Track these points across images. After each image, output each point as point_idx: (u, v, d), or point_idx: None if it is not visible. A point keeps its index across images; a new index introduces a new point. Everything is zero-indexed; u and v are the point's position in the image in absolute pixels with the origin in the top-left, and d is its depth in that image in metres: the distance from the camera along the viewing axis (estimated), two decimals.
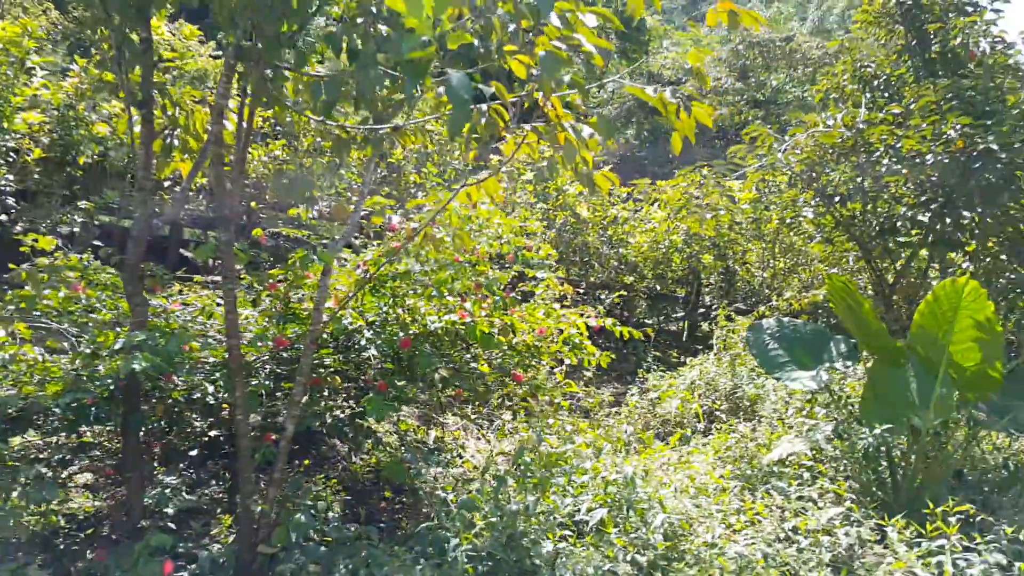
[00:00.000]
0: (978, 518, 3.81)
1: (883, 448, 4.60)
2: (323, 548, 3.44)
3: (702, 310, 9.41)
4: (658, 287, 9.60)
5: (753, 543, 3.38)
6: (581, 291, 8.14)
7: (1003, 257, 5.50)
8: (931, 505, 3.75)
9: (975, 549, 3.55)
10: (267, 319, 4.24)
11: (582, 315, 4.92)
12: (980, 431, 4.93)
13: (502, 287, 4.76)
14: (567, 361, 5.24)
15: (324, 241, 7.18)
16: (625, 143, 20.39)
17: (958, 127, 4.77)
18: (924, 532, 3.63)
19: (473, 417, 5.82)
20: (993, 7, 5.37)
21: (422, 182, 9.39)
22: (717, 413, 6.09)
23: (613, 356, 5.51)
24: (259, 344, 4.10)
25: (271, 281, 4.19)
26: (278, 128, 9.09)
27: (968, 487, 4.90)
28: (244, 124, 3.31)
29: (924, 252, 5.76)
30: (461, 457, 4.94)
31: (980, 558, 3.52)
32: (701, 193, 6.04)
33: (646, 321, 9.56)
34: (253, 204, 9.67)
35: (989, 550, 3.55)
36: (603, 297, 8.46)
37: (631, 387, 7.35)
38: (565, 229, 9.07)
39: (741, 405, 6.18)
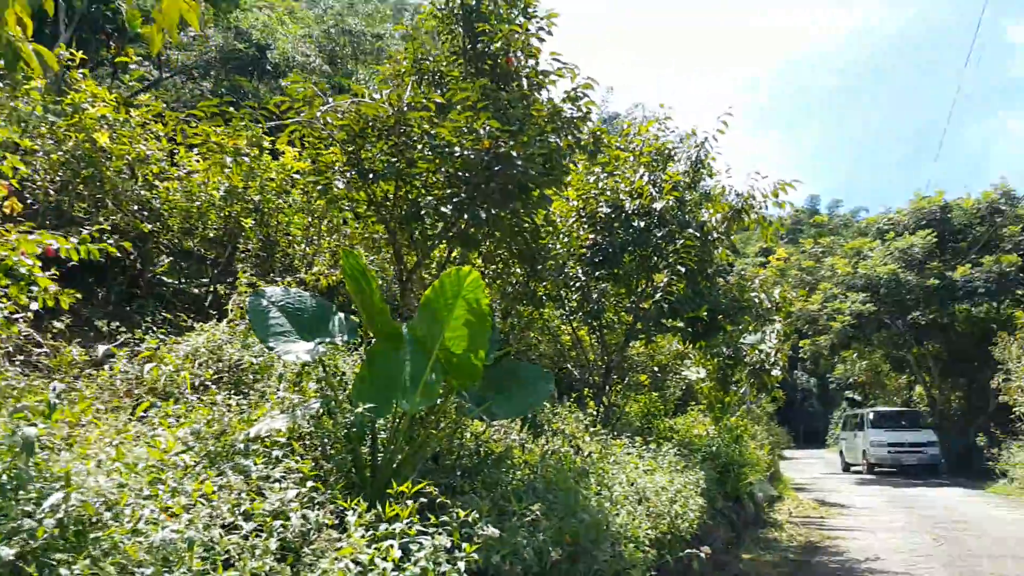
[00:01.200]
0: (438, 500, 3.90)
1: (367, 429, 4.51)
2: None
3: (231, 279, 8.62)
4: (188, 243, 8.52)
5: (186, 529, 2.82)
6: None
7: (512, 262, 5.97)
8: (395, 487, 3.70)
9: (428, 532, 3.56)
10: None
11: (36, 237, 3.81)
12: (464, 418, 5.23)
13: None
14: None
15: None
16: None
17: (488, 127, 4.97)
18: (383, 516, 3.53)
19: None
20: (539, 27, 5.85)
21: None
22: (212, 384, 5.41)
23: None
24: None
25: None
26: None
27: (443, 471, 5.13)
28: None
29: (444, 245, 5.96)
30: None
31: (431, 541, 3.54)
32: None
33: (165, 279, 8.40)
34: None
35: (439, 533, 3.60)
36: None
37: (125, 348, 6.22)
38: (78, 155, 7.45)
39: (244, 378, 5.63)
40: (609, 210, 8.94)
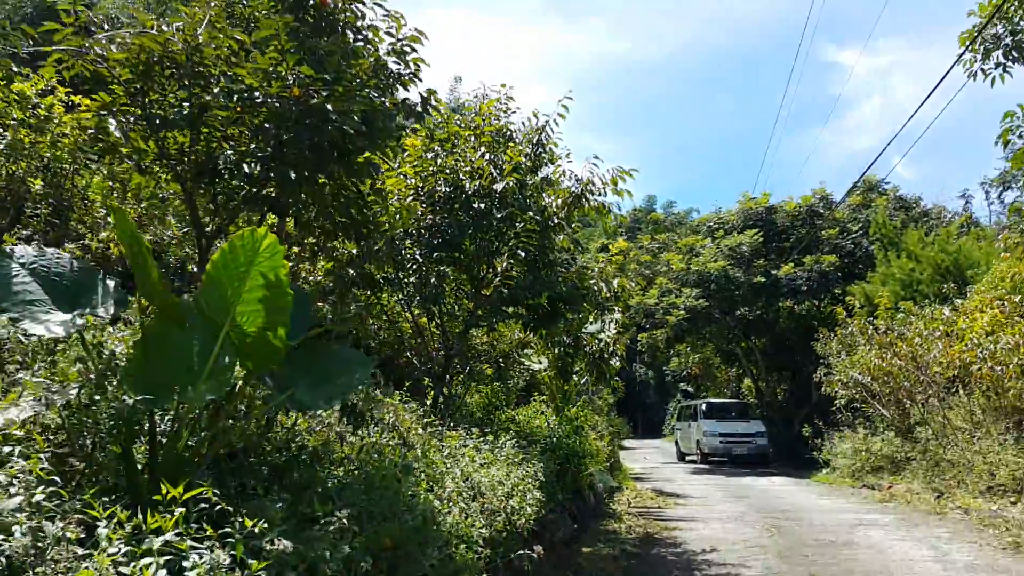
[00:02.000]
0: (217, 508, 3.23)
1: (140, 421, 3.73)
2: None
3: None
4: None
5: None
6: None
7: (338, 235, 5.32)
8: (167, 491, 3.00)
9: (201, 547, 2.90)
10: None
11: None
12: (273, 408, 4.53)
13: None
14: None
15: None
16: None
17: (297, 73, 4.31)
18: (146, 525, 2.82)
19: None
20: None
21: None
22: None
23: None
24: None
25: None
26: None
27: (246, 471, 4.42)
28: None
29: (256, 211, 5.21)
30: None
31: (207, 557, 2.88)
32: None
33: None
34: None
35: (218, 546, 2.94)
36: None
37: None
38: None
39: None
40: (449, 189, 8.47)
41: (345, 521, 3.69)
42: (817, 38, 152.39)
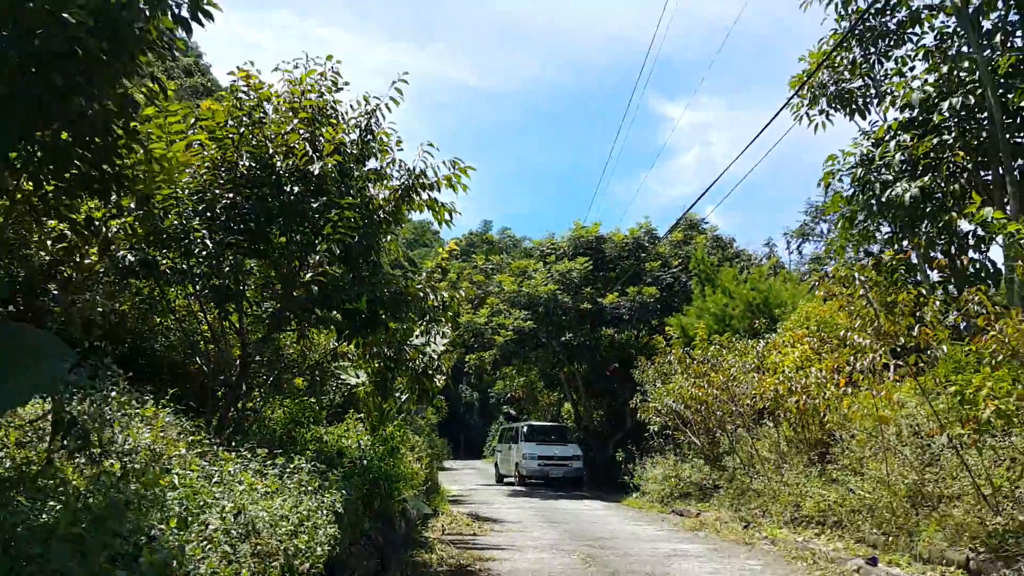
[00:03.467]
0: None
1: None
2: None
3: None
4: None
5: None
6: None
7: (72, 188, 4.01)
8: None
9: None
10: None
11: None
12: None
13: None
14: None
15: None
16: None
17: None
18: None
19: None
20: None
21: None
22: None
23: None
24: None
25: None
26: None
27: None
28: None
29: None
30: None
31: None
32: None
33: None
34: None
35: None
36: None
37: None
38: None
39: None
40: (255, 165, 7.20)
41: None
42: (650, 88, 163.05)
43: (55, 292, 6.39)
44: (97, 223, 5.73)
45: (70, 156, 3.77)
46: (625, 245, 26.45)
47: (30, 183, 4.11)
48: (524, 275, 25.75)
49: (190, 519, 4.50)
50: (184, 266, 7.35)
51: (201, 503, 4.76)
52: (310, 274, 7.12)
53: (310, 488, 5.96)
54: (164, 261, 7.51)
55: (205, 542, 4.28)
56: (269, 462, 6.00)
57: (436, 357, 9.75)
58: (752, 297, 20.79)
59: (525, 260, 27.80)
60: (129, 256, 7.36)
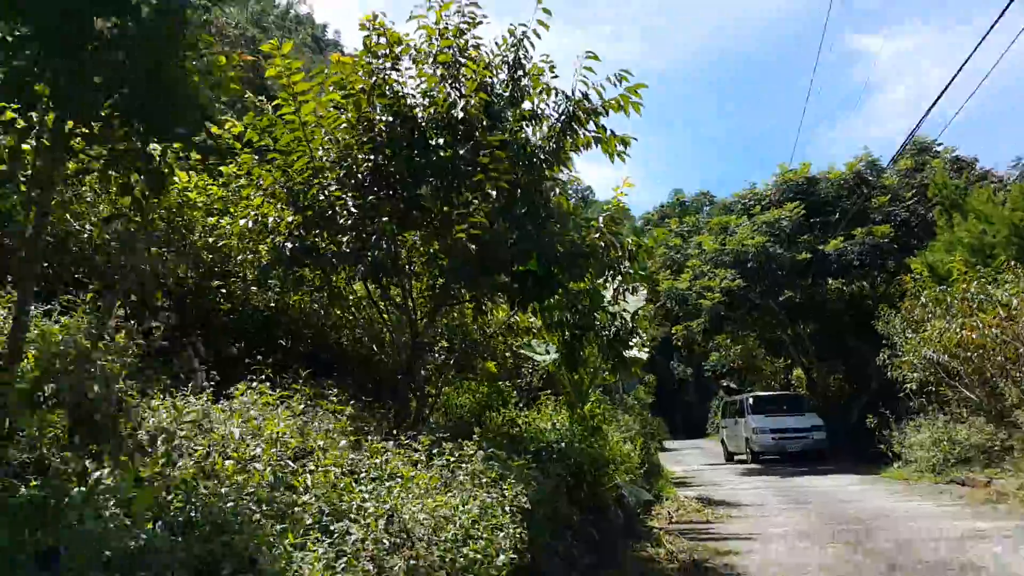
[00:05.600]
0: None
1: None
2: None
3: None
4: None
5: None
6: None
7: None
8: None
9: None
10: None
11: None
12: None
13: None
14: None
15: None
16: None
17: None
18: None
19: None
20: None
21: None
22: None
23: None
24: None
25: None
26: None
27: None
28: None
29: None
30: None
31: None
32: None
33: None
34: None
35: None
36: None
37: None
38: None
39: None
40: (395, 120, 6.32)
41: None
42: (841, 24, 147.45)
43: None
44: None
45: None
46: (843, 182, 23.08)
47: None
48: (725, 231, 23.34)
49: (329, 526, 3.62)
50: (334, 245, 6.67)
51: (349, 506, 3.88)
52: (464, 232, 6.10)
53: (484, 480, 4.92)
54: (323, 244, 6.90)
55: (346, 558, 3.35)
56: (436, 451, 5.05)
57: (628, 319, 8.38)
58: (1017, 219, 17.02)
59: (725, 216, 25.23)
60: (287, 244, 6.85)
